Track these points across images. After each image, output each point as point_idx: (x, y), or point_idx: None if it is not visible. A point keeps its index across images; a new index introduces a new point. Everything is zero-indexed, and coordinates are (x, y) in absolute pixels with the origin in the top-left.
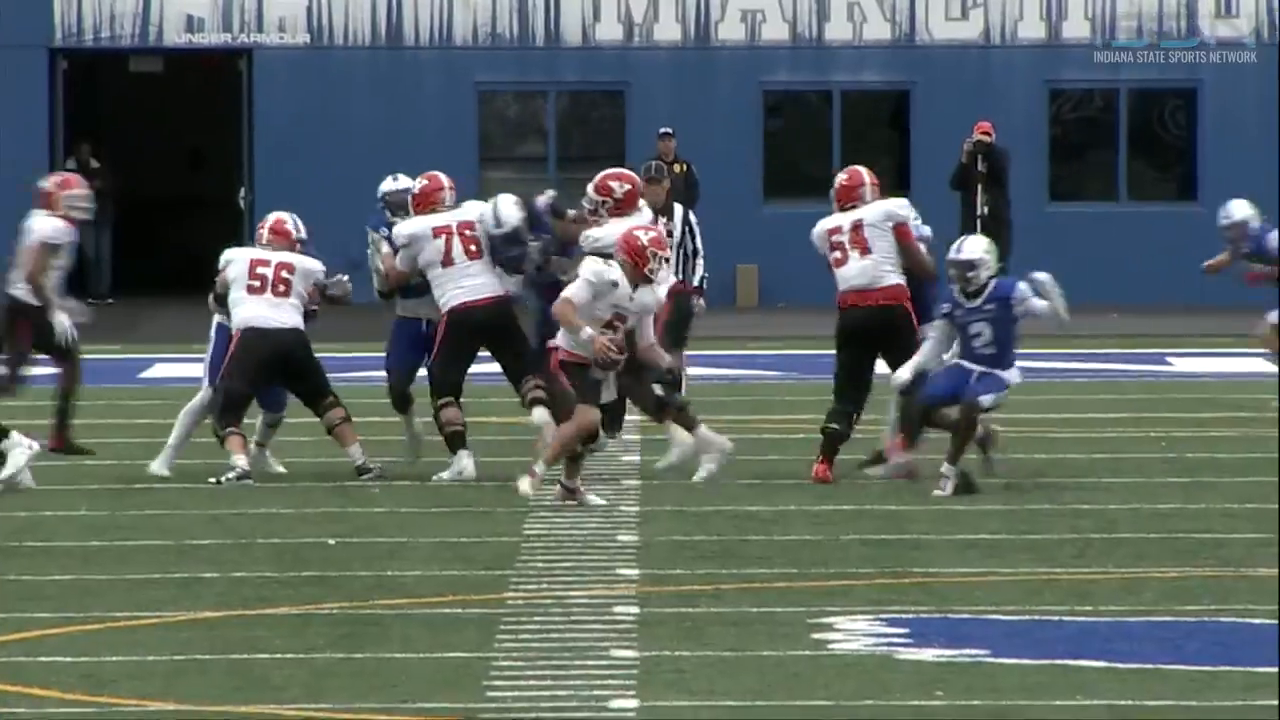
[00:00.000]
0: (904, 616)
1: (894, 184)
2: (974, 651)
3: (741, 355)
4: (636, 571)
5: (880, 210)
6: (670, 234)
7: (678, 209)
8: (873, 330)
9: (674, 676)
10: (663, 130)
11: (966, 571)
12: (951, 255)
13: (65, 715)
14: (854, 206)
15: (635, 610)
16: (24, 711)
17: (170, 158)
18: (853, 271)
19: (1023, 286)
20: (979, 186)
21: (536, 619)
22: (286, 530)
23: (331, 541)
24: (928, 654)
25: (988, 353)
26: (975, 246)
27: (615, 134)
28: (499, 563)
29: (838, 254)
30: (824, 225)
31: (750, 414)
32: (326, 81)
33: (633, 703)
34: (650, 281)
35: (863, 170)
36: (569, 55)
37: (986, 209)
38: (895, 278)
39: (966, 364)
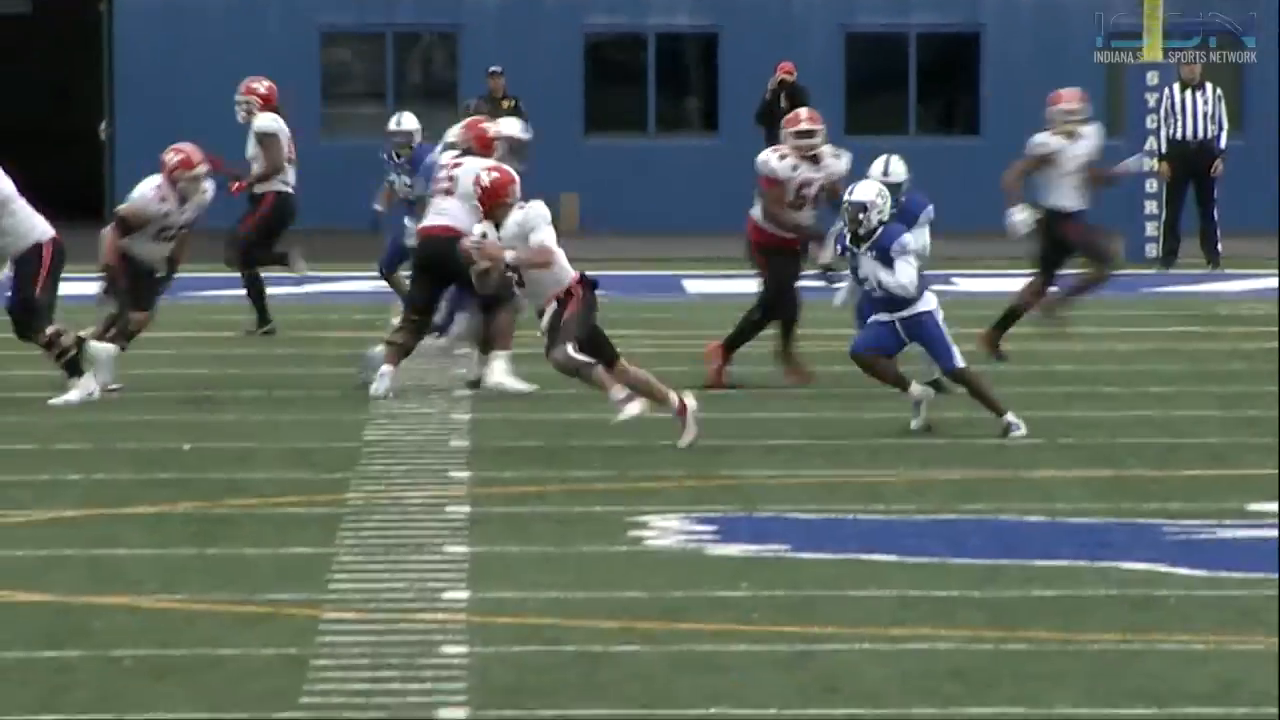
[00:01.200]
0: (712, 515)
1: (703, 121)
2: (776, 547)
3: None
4: (468, 474)
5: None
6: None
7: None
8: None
9: (502, 570)
10: (492, 69)
11: (770, 474)
12: (844, 196)
13: None
14: (816, 158)
15: (467, 510)
16: None
17: (35, 94)
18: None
19: (905, 239)
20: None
21: (375, 518)
22: (144, 436)
23: (186, 447)
24: (734, 549)
25: (880, 294)
26: (867, 190)
27: (449, 72)
28: (340, 466)
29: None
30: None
31: None
32: (183, 21)
33: (464, 594)
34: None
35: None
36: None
37: None
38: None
39: (882, 316)
